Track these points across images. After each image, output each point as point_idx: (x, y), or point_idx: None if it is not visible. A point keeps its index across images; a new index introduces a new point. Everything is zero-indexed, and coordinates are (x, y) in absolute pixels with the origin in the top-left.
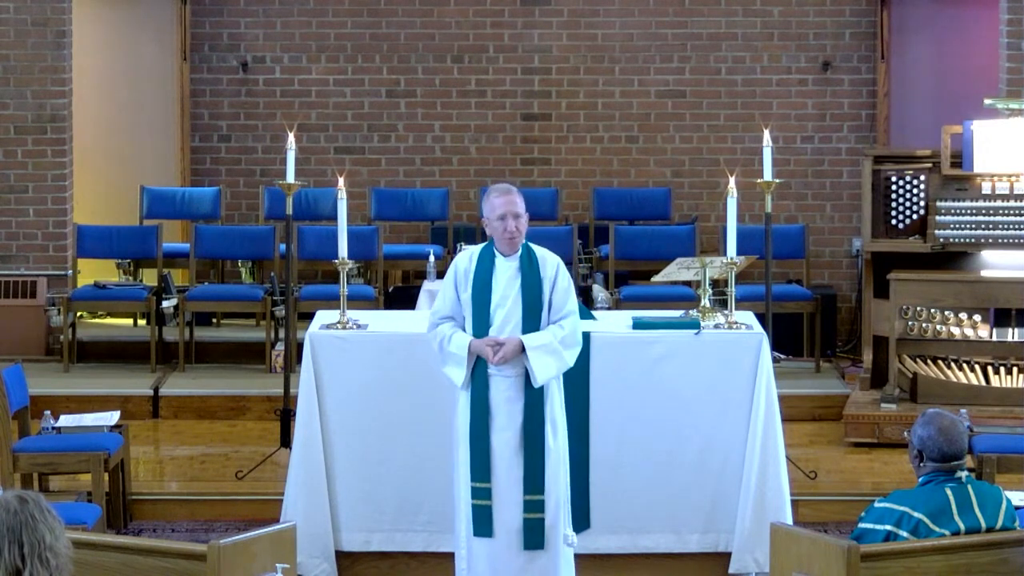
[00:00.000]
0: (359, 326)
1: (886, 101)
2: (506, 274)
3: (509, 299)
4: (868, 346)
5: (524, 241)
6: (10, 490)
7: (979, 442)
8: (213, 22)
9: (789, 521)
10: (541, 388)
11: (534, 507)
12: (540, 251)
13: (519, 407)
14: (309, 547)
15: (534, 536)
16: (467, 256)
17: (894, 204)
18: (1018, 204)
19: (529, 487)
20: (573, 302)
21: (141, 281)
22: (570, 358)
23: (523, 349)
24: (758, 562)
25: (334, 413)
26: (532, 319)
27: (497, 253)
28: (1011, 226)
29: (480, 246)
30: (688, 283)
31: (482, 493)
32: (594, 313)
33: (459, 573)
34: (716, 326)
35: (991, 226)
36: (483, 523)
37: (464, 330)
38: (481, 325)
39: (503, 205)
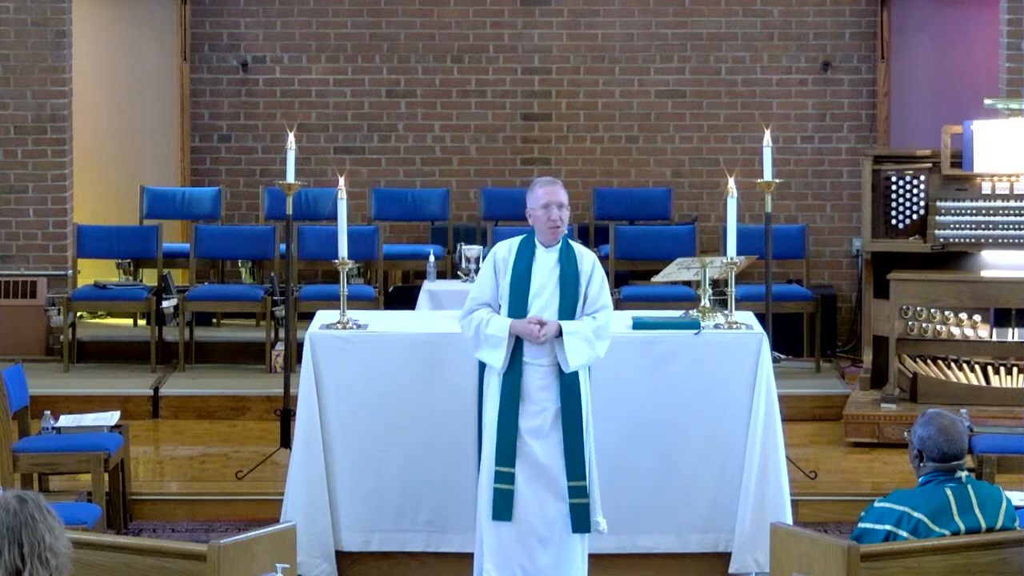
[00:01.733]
0: (359, 326)
1: (886, 101)
2: (545, 265)
3: (547, 289)
4: (868, 346)
5: (565, 234)
6: (10, 490)
7: (979, 442)
8: (213, 22)
9: (789, 521)
10: (576, 377)
11: (579, 492)
12: (578, 247)
13: (551, 395)
14: (309, 547)
15: (581, 520)
16: (506, 246)
17: (894, 204)
18: (1018, 204)
19: (572, 473)
20: (607, 297)
21: (141, 281)
22: (601, 349)
23: (559, 333)
24: (758, 562)
25: (334, 413)
26: (567, 310)
27: (538, 244)
28: (1011, 226)
29: (519, 238)
30: (688, 283)
31: (506, 477)
32: None
33: (478, 562)
34: (716, 326)
35: (991, 226)
36: (504, 507)
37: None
38: (519, 312)
39: (547, 195)
